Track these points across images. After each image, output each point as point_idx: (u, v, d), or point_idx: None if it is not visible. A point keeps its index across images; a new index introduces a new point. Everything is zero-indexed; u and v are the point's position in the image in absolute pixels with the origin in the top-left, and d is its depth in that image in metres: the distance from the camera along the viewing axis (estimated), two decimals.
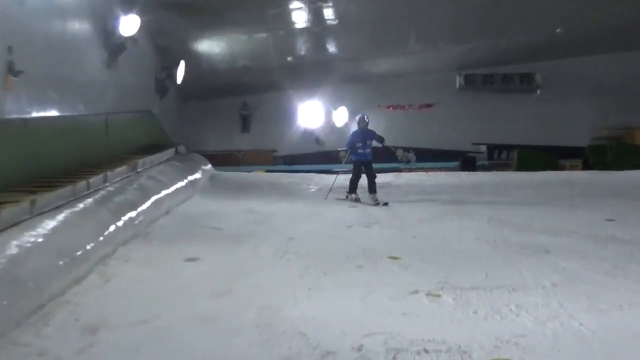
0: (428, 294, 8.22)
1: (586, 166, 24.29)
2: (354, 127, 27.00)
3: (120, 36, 16.76)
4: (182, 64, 22.08)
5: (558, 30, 23.28)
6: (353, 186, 16.31)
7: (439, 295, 8.16)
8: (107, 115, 16.00)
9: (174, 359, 6.19)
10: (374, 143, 16.64)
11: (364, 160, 16.28)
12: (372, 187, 15.99)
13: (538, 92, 26.45)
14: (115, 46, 16.83)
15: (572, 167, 24.28)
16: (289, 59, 24.32)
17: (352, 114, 26.76)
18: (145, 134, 19.49)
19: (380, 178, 20.08)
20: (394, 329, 6.82)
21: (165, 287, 8.63)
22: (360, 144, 16.29)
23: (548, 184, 19.03)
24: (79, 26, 15.24)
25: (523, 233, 12.19)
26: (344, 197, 16.60)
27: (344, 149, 16.47)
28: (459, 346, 6.31)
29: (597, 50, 25.65)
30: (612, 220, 13.40)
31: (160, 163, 16.60)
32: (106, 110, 16.26)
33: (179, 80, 22.26)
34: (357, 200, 16.12)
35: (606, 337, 6.64)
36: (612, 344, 6.44)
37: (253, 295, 8.22)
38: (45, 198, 9.92)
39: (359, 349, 6.34)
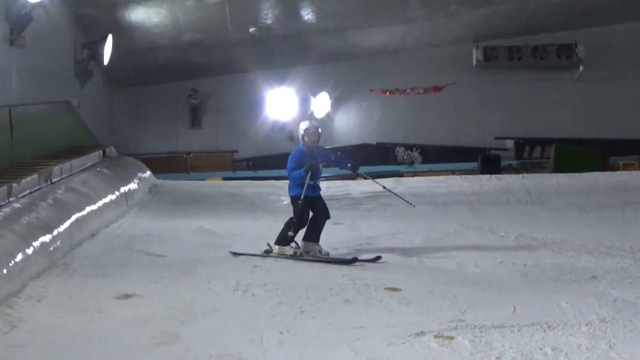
0: (438, 336, 8.26)
1: None
2: (341, 119, 27.40)
3: (26, 3, 16.71)
4: (110, 39, 22.00)
5: None
6: (291, 237, 12.88)
7: (451, 338, 8.20)
8: (10, 108, 15.94)
9: None
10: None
11: (311, 196, 13.00)
12: (316, 234, 13.02)
13: (581, 68, 26.52)
14: (19, 17, 16.78)
15: (627, 167, 24.37)
16: (252, 30, 24.28)
17: (336, 101, 26.82)
18: (63, 133, 19.44)
19: (376, 185, 20.13)
20: None
21: (90, 334, 8.62)
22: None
23: (595, 190, 19.12)
24: None
25: (562, 254, 12.28)
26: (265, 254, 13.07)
27: (297, 172, 13.05)
28: None
29: None
30: None
31: (82, 170, 16.57)
32: (9, 102, 16.21)
33: (106, 61, 22.19)
34: (295, 254, 12.79)
35: None
36: None
37: (207, 342, 8.23)
38: None
39: None
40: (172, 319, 9.07)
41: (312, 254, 12.68)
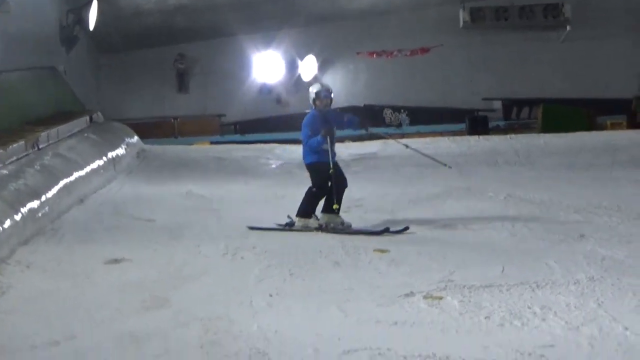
0: (427, 297, 8.29)
1: (633, 124, 24.41)
2: (329, 81, 27.28)
3: None
4: (95, 4, 21.87)
5: None
6: (311, 207, 12.18)
7: (440, 298, 8.24)
8: None
9: None
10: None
11: (334, 161, 12.22)
12: (340, 200, 12.26)
13: (568, 28, 26.50)
14: None
15: (615, 126, 24.41)
16: None
17: (323, 63, 26.75)
18: (49, 99, 19.34)
19: (363, 148, 20.16)
20: (382, 344, 6.88)
21: (80, 299, 8.63)
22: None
23: (583, 150, 19.14)
24: None
25: (550, 214, 12.33)
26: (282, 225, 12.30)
27: (315, 140, 12.15)
28: None
29: None
30: None
31: (70, 136, 16.52)
32: None
33: (92, 26, 22.08)
34: (321, 227, 11.95)
35: None
36: None
37: (197, 306, 8.24)
38: None
39: None
40: (162, 283, 9.09)
41: (334, 226, 11.81)
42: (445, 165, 13.45)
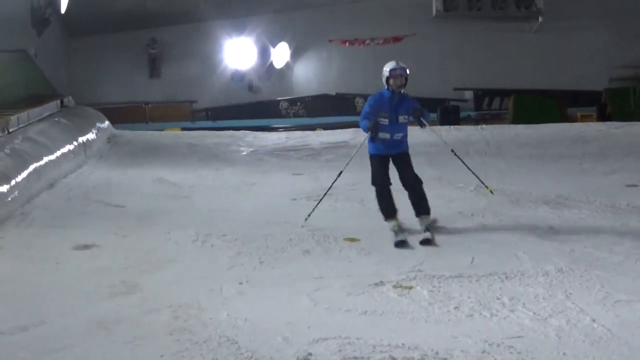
0: (396, 286, 8.34)
1: (603, 116, 24.54)
2: (301, 69, 27.38)
3: None
4: None
5: None
6: (387, 205, 10.67)
7: (410, 288, 8.29)
8: None
9: None
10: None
11: (394, 152, 10.78)
12: (420, 203, 10.74)
13: (540, 19, 26.62)
14: None
15: (585, 118, 24.53)
16: None
17: (295, 51, 26.71)
18: (19, 82, 19.25)
19: (335, 137, 20.16)
20: (351, 333, 6.91)
21: (49, 284, 8.61)
22: (385, 120, 10.70)
23: (553, 141, 19.20)
24: None
25: (520, 205, 12.37)
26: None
27: (366, 128, 10.71)
28: (437, 352, 6.44)
29: None
30: (635, 186, 13.64)
31: (40, 120, 16.43)
32: None
33: (63, 9, 22.00)
34: (401, 232, 10.29)
35: (625, 336, 6.81)
36: (632, 346, 6.61)
37: (166, 292, 8.26)
38: None
39: (306, 359, 6.42)
40: (131, 269, 9.09)
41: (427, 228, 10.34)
42: (488, 188, 11.80)
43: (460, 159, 10.76)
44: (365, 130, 10.70)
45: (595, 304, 7.64)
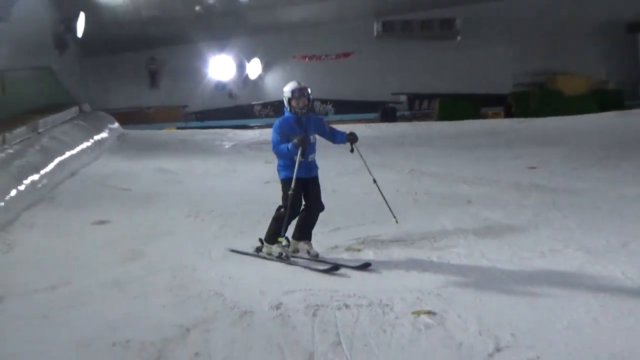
0: (348, 249, 8.37)
1: (508, 114, 24.67)
2: (270, 79, 27.34)
3: None
4: (82, 15, 21.61)
5: None
6: (276, 229, 8.10)
7: (359, 250, 8.32)
8: (2, 73, 15.59)
9: (85, 325, 6.18)
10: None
11: (310, 176, 8.32)
12: (305, 231, 8.31)
13: (458, 38, 26.68)
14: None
15: (494, 116, 24.70)
16: (197, 8, 24.04)
17: (266, 65, 26.66)
18: (46, 92, 19.07)
19: None
20: (313, 286, 6.94)
21: (73, 253, 8.59)
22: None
23: (470, 134, 19.33)
24: None
25: (445, 184, 12.44)
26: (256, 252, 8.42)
27: (284, 146, 8.10)
28: (381, 300, 6.46)
29: None
30: (534, 168, 13.77)
31: (63, 123, 16.31)
32: (1, 68, 15.84)
33: (80, 33, 21.80)
34: (285, 254, 8.04)
35: (529, 285, 6.89)
36: (535, 294, 6.68)
37: (166, 257, 8.25)
38: None
39: (278, 307, 6.44)
40: (138, 240, 9.07)
41: (299, 255, 8.15)
42: (394, 218, 8.53)
43: (379, 189, 8.58)
44: (293, 148, 7.95)
45: (504, 261, 7.71)
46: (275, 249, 8.07)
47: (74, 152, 14.43)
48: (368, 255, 8.07)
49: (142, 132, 21.17)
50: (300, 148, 7.93)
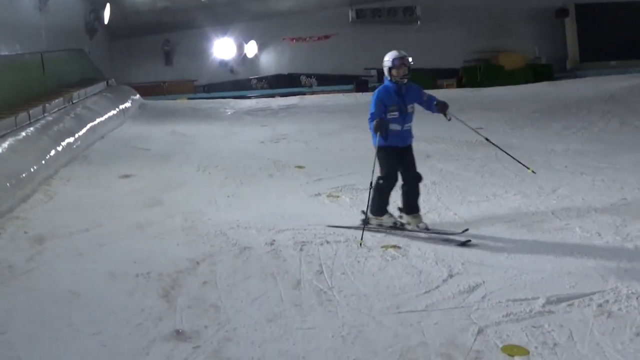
0: (329, 196, 8.38)
1: (460, 84, 24.66)
2: (264, 58, 27.35)
3: None
4: (108, 6, 21.39)
5: None
6: (382, 201, 6.98)
7: (338, 197, 8.32)
8: (42, 54, 15.37)
9: (113, 259, 6.19)
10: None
11: (403, 145, 7.09)
12: (410, 204, 7.03)
13: (418, 23, 26.50)
14: None
15: (448, 86, 24.64)
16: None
17: (261, 46, 26.46)
18: (79, 70, 18.81)
19: (288, 101, 20.05)
20: (300, 226, 6.95)
21: (103, 201, 8.55)
22: (396, 113, 6.99)
23: None
24: None
25: None
26: (362, 225, 6.78)
27: (373, 120, 6.90)
28: (355, 237, 6.48)
29: None
30: (481, 128, 13.68)
31: (93, 95, 16.12)
32: (41, 50, 15.63)
33: (106, 21, 21.61)
34: (395, 225, 6.91)
35: (476, 223, 6.91)
36: (481, 230, 6.71)
37: (180, 204, 8.22)
38: None
39: (271, 243, 6.45)
40: (157, 190, 9.03)
41: (411, 228, 6.80)
42: (529, 169, 7.60)
43: (496, 145, 7.72)
44: (374, 131, 6.86)
45: (456, 204, 7.76)
46: (387, 220, 6.89)
47: (102, 118, 14.28)
48: (345, 200, 8.08)
49: (159, 102, 20.97)
50: (383, 129, 6.69)
